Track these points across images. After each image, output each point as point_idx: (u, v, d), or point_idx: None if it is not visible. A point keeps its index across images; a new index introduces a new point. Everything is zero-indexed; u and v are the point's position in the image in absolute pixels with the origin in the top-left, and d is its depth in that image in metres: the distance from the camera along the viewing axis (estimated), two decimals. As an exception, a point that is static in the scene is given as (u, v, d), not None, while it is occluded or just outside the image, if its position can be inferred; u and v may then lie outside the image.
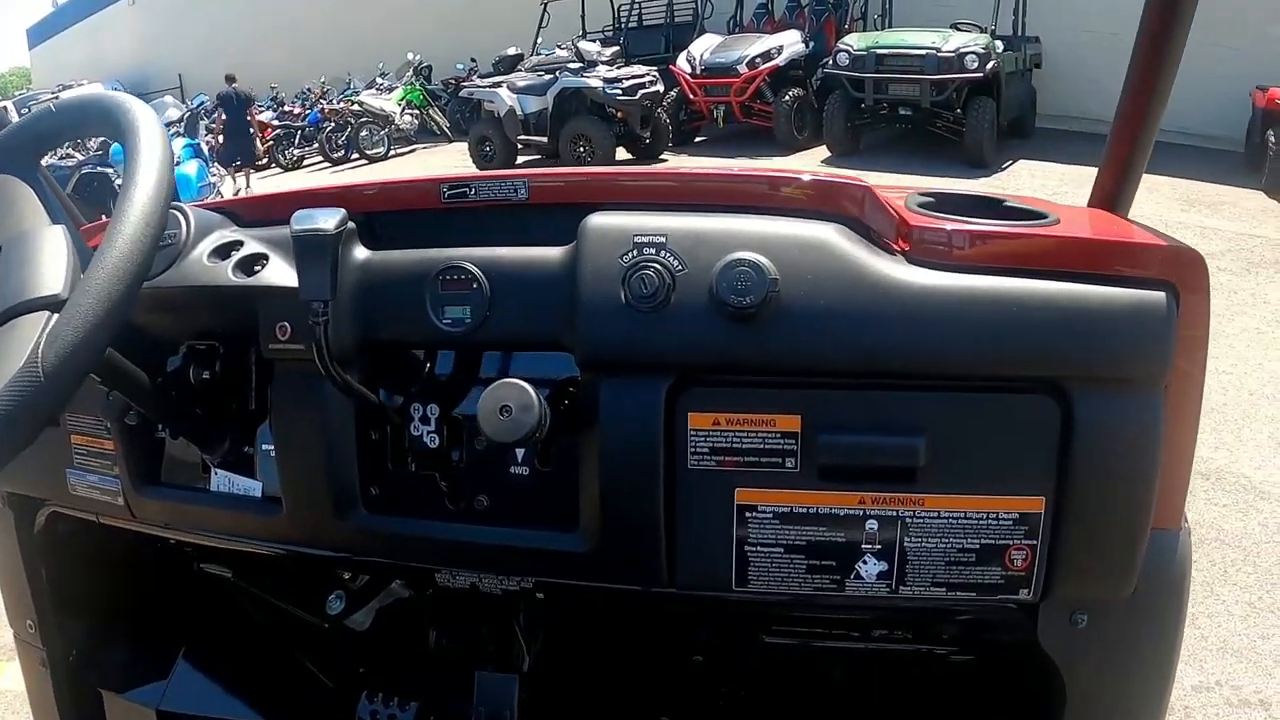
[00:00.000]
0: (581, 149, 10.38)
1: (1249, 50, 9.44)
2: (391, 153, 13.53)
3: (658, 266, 0.84)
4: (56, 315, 0.75)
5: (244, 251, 0.96)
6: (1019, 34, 10.59)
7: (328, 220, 0.82)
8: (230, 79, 11.64)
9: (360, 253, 0.94)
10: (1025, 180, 8.80)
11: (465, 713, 1.11)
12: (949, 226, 0.85)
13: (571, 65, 10.72)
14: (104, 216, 0.96)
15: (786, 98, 10.49)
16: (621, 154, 10.64)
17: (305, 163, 14.10)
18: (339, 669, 1.27)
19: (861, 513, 0.84)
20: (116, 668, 1.31)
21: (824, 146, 10.19)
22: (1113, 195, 1.06)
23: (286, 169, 13.86)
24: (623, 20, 13.68)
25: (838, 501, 0.84)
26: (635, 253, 0.85)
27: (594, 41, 11.88)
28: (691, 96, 10.97)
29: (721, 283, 0.81)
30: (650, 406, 0.84)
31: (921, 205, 0.92)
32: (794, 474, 0.84)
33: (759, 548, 0.86)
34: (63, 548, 1.25)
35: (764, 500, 0.85)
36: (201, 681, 1.29)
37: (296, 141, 14.18)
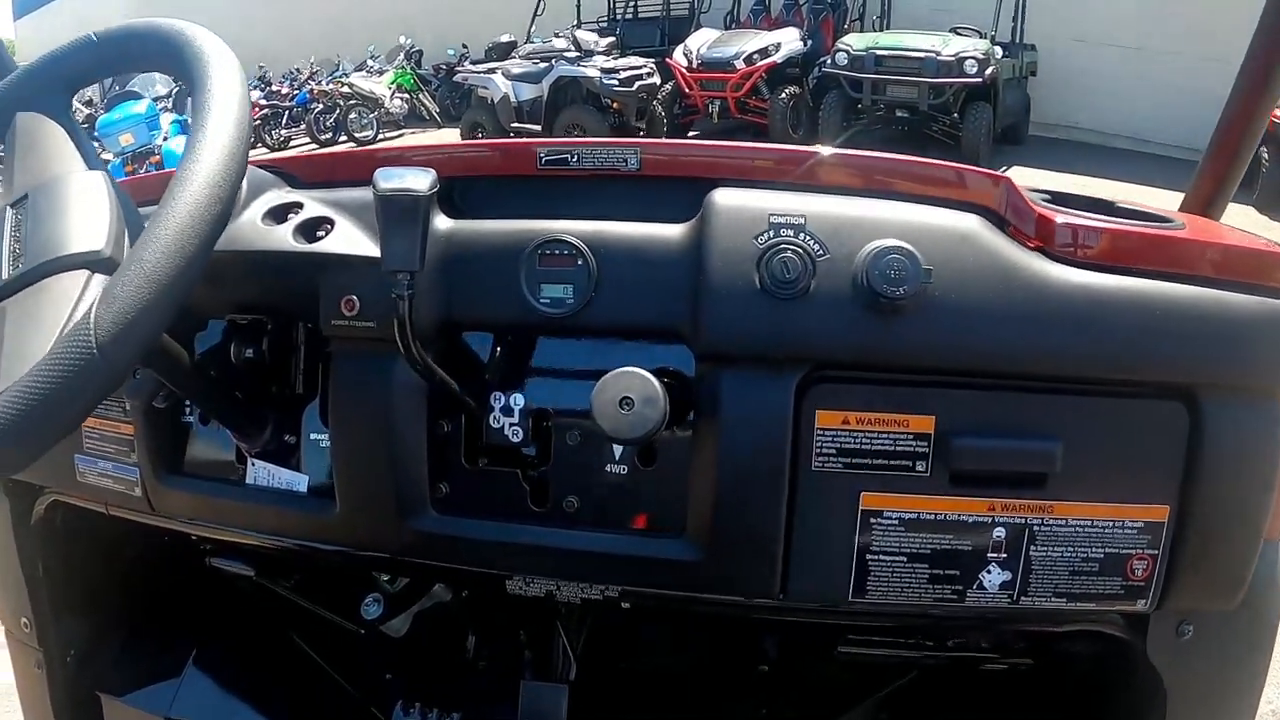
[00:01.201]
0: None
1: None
2: (380, 136, 13.37)
3: (799, 250, 0.77)
4: (100, 276, 0.64)
5: (304, 215, 0.86)
6: (1017, 41, 10.60)
7: (419, 180, 0.72)
8: None
9: (443, 221, 0.84)
10: (1020, 187, 8.79)
11: None
12: (1091, 224, 0.80)
13: (568, 54, 10.65)
14: None
15: (782, 95, 10.43)
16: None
17: (292, 143, 13.85)
18: (369, 676, 1.18)
19: (990, 520, 0.79)
20: (120, 670, 1.20)
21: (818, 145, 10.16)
22: (1208, 202, 1.06)
23: (272, 149, 13.61)
24: (618, 12, 13.58)
25: (967, 508, 0.79)
26: (772, 234, 0.78)
27: (590, 32, 11.78)
28: (687, 90, 10.86)
29: (872, 270, 0.74)
30: (779, 403, 0.77)
31: (1045, 201, 0.87)
32: (924, 478, 0.78)
33: (881, 556, 0.80)
34: (63, 539, 1.14)
35: (890, 505, 0.79)
36: (215, 686, 1.19)
37: (284, 122, 13.95)
